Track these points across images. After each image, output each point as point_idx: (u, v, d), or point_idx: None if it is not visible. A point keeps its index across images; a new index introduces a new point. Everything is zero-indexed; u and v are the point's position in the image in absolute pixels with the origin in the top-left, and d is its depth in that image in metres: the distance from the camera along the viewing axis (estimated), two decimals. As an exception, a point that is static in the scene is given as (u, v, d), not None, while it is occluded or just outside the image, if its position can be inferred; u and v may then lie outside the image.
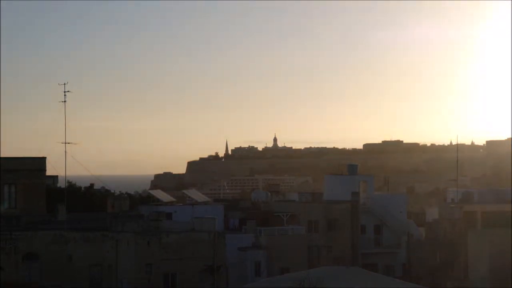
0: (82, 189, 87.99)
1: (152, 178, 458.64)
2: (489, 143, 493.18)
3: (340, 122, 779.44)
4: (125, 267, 59.11)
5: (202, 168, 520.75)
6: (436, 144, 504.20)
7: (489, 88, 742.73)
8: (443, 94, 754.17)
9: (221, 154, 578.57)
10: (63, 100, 67.76)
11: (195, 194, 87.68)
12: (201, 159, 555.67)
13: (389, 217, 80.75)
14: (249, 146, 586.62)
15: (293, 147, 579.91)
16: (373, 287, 53.72)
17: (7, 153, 75.05)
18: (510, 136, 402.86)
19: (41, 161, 69.80)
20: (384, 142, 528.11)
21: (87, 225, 63.82)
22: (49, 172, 72.57)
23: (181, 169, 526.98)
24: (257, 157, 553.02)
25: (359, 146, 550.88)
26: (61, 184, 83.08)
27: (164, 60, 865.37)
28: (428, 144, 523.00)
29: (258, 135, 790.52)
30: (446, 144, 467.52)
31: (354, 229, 76.70)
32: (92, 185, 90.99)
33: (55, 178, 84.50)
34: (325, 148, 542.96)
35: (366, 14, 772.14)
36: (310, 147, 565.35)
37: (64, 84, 68.28)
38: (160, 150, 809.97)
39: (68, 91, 67.84)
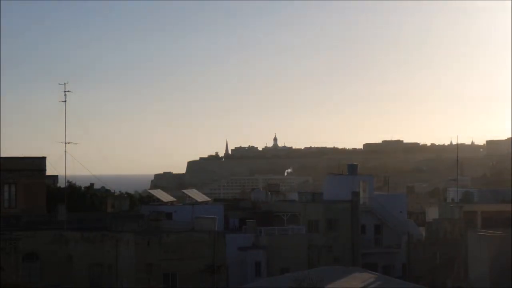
0: (82, 189, 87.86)
1: (152, 178, 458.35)
2: (489, 143, 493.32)
3: (340, 122, 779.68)
4: (125, 267, 59.07)
5: (202, 168, 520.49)
6: (436, 144, 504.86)
7: (489, 88, 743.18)
8: (443, 94, 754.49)
9: (221, 154, 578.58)
10: (63, 100, 67.85)
11: (195, 194, 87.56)
12: (201, 159, 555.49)
13: (389, 217, 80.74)
14: (249, 146, 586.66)
15: (293, 147, 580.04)
16: (373, 287, 53.77)
17: (7, 153, 75.07)
18: (510, 136, 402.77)
19: (41, 161, 69.79)
20: (384, 142, 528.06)
21: (87, 225, 63.79)
22: (49, 172, 72.63)
23: (181, 169, 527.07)
24: (257, 157, 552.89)
25: (359, 146, 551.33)
26: (61, 184, 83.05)
27: (164, 60, 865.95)
28: (428, 144, 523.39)
29: (258, 135, 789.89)
30: (446, 144, 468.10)
31: (354, 229, 76.66)
32: (92, 185, 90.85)
33: (55, 178, 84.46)
34: (325, 148, 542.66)
35: (365, 14, 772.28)
36: (310, 147, 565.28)
37: (64, 84, 68.42)
38: (160, 150, 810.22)
39: (68, 91, 67.95)
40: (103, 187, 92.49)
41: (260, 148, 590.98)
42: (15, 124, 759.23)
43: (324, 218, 76.33)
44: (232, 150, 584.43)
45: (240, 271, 66.29)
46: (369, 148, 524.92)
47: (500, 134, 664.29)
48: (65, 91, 67.84)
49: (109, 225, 63.65)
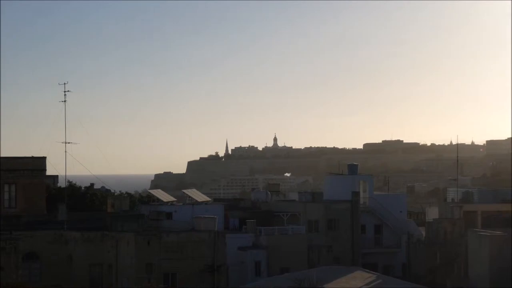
0: (82, 189, 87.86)
1: (152, 178, 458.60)
2: (489, 143, 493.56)
3: (340, 122, 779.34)
4: (125, 267, 59.05)
5: (202, 168, 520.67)
6: (436, 144, 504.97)
7: (489, 88, 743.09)
8: (443, 94, 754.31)
9: (221, 154, 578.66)
10: (63, 100, 67.87)
11: (195, 194, 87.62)
12: (201, 159, 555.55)
13: (389, 217, 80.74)
14: (249, 146, 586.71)
15: (293, 147, 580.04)
16: (373, 287, 53.77)
17: (7, 153, 75.05)
18: (510, 136, 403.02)
19: (41, 161, 69.74)
20: (384, 142, 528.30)
21: (87, 225, 63.77)
22: (49, 172, 72.59)
23: (181, 169, 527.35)
24: (257, 157, 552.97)
25: (359, 146, 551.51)
26: (61, 184, 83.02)
27: (164, 60, 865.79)
28: (428, 144, 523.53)
29: (258, 135, 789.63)
30: (446, 144, 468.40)
31: (354, 229, 76.67)
32: (92, 185, 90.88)
33: (55, 178, 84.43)
34: (325, 148, 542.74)
35: (364, 14, 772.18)
36: (310, 147, 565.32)
37: (64, 84, 68.45)
38: (160, 150, 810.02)
39: (68, 91, 67.97)
40: (103, 187, 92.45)
41: (260, 148, 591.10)
42: (15, 124, 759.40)
43: (324, 218, 76.32)
44: (232, 150, 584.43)
45: (240, 271, 66.30)
46: (369, 148, 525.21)
47: (500, 134, 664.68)
48: (65, 91, 67.92)
49: (109, 225, 63.62)
